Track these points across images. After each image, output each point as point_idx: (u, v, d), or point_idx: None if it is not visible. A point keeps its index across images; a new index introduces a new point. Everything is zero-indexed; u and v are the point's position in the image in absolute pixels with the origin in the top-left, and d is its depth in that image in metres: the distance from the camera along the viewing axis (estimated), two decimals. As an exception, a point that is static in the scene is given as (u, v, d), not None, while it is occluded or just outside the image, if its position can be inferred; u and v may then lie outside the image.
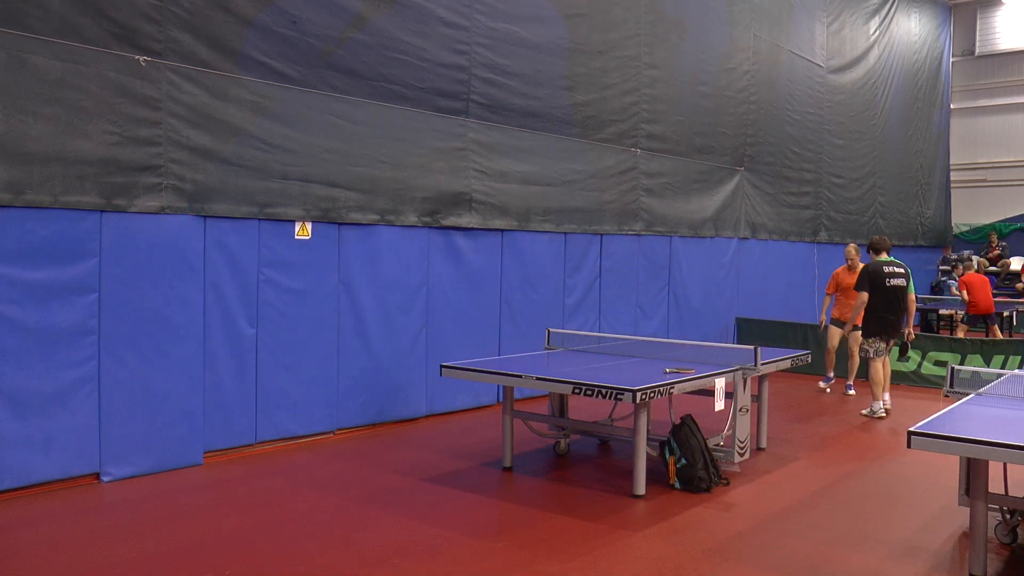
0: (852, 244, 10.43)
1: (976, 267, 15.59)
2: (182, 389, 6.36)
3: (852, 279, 9.90)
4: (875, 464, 6.80)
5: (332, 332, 7.41)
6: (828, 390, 10.36)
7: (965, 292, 13.28)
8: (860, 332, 9.53)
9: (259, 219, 6.82)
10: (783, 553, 4.75)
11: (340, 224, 7.42)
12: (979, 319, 13.43)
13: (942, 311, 15.70)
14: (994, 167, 21.18)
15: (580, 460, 6.79)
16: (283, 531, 4.97)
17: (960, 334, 13.40)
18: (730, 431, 6.36)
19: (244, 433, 6.82)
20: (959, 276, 14.01)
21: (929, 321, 16.48)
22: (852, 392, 10.10)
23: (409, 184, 7.92)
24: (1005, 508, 4.88)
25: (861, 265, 9.74)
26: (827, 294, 10.54)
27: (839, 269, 10.46)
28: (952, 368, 5.57)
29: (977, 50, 21.37)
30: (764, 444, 7.26)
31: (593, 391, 5.45)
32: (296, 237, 7.11)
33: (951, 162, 21.24)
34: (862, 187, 16.60)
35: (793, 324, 12.19)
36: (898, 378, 10.81)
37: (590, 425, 6.76)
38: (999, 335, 13.24)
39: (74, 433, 5.78)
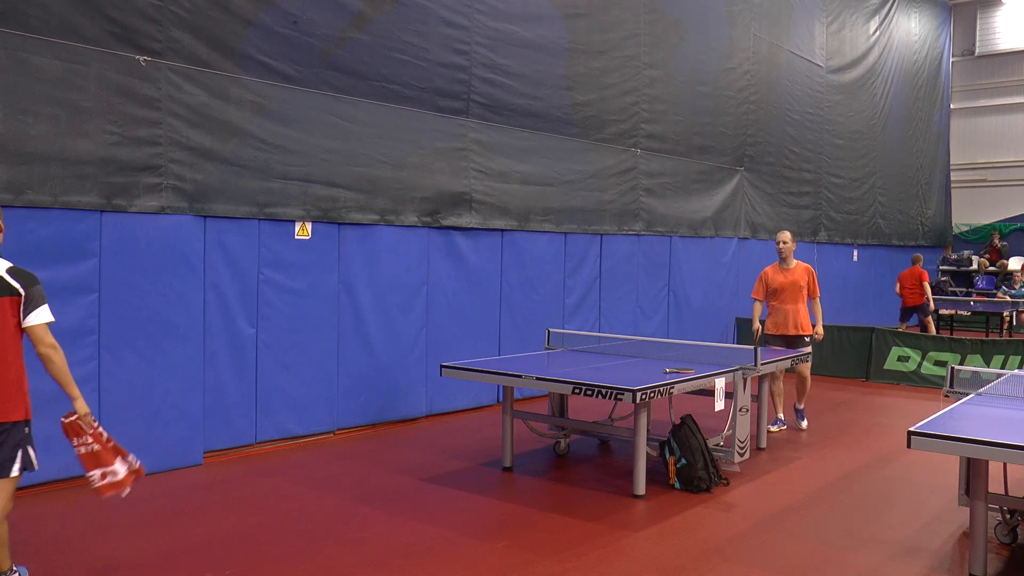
0: (787, 231, 8.15)
1: (977, 268, 15.60)
2: (182, 389, 6.36)
3: (788, 279, 7.83)
4: (875, 464, 6.80)
5: (332, 332, 7.41)
6: (778, 430, 7.94)
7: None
8: (810, 346, 7.85)
9: (259, 219, 6.82)
10: (783, 553, 4.75)
11: (340, 224, 7.42)
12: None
13: (942, 311, 15.70)
14: (994, 167, 21.19)
15: (580, 460, 6.79)
16: (283, 531, 4.97)
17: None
18: (730, 431, 6.35)
19: (244, 433, 6.82)
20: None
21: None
22: (805, 423, 8.09)
23: (409, 184, 7.92)
24: (1005, 508, 4.88)
25: (798, 262, 7.93)
26: (757, 300, 8.07)
27: (768, 268, 8.09)
28: (952, 368, 5.58)
29: (977, 50, 21.37)
30: (764, 444, 7.26)
31: (593, 391, 5.45)
32: (296, 237, 7.11)
33: (951, 162, 21.24)
34: (862, 187, 16.60)
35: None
36: (898, 378, 10.82)
37: (590, 425, 6.76)
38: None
39: (74, 433, 5.77)
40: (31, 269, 5.50)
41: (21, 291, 3.69)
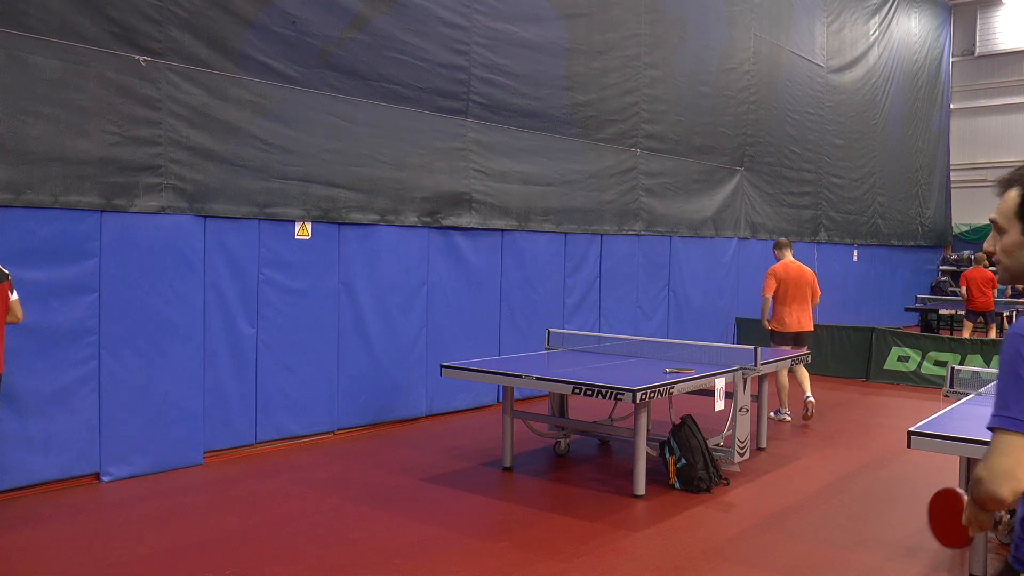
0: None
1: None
2: (182, 389, 6.36)
3: None
4: (875, 464, 6.80)
5: (332, 332, 7.41)
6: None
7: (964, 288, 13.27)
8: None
9: (259, 219, 6.82)
10: (783, 553, 4.75)
11: (340, 224, 7.42)
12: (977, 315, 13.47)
13: (942, 311, 15.71)
14: (994, 167, 21.18)
15: (580, 460, 6.79)
16: (283, 531, 4.97)
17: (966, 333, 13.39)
18: (730, 431, 6.36)
19: (244, 433, 6.82)
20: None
21: (929, 321, 16.49)
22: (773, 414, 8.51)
23: (409, 184, 7.92)
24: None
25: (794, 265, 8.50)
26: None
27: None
28: (952, 368, 5.58)
29: (977, 50, 21.37)
30: (764, 444, 7.26)
31: (593, 391, 5.45)
32: (296, 237, 7.11)
33: (951, 162, 21.24)
34: (862, 187, 16.60)
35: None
36: (898, 378, 10.83)
37: (590, 425, 6.76)
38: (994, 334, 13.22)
39: (74, 433, 5.78)
40: (31, 269, 5.57)
41: (9, 275, 4.92)
